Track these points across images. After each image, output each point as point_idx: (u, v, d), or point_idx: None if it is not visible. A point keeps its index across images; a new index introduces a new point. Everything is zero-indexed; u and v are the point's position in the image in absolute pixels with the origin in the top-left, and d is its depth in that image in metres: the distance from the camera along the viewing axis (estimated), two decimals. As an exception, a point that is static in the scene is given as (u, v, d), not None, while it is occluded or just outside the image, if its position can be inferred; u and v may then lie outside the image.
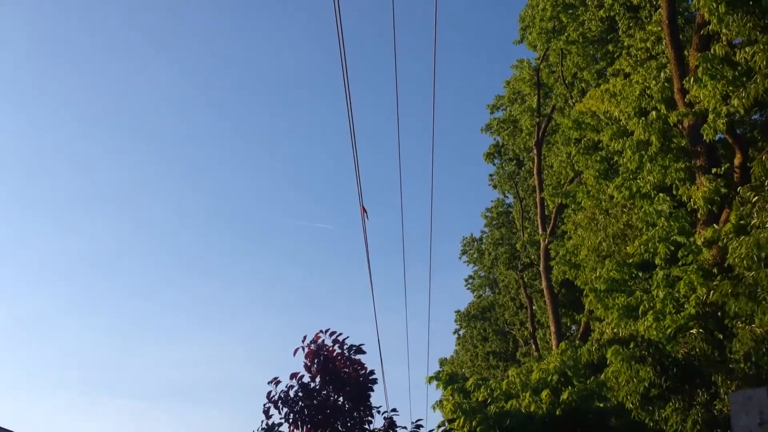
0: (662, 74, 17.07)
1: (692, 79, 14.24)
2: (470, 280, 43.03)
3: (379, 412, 11.21)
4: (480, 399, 15.55)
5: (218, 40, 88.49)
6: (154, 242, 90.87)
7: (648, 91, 17.09)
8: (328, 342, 11.19)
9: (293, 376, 11.07)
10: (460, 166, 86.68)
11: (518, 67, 29.59)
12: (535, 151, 28.97)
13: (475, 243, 42.18)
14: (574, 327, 33.33)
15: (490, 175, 39.16)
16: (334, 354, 11.05)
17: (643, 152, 16.09)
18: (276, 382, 11.09)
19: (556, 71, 26.01)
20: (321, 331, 11.14)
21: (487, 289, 42.54)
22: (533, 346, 33.97)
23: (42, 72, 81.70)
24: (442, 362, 41.45)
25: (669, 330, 12.86)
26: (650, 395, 10.87)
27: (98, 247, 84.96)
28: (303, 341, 11.27)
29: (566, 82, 25.22)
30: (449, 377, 16.48)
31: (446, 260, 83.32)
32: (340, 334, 11.22)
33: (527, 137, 31.23)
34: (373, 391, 11.09)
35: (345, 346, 11.12)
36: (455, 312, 43.51)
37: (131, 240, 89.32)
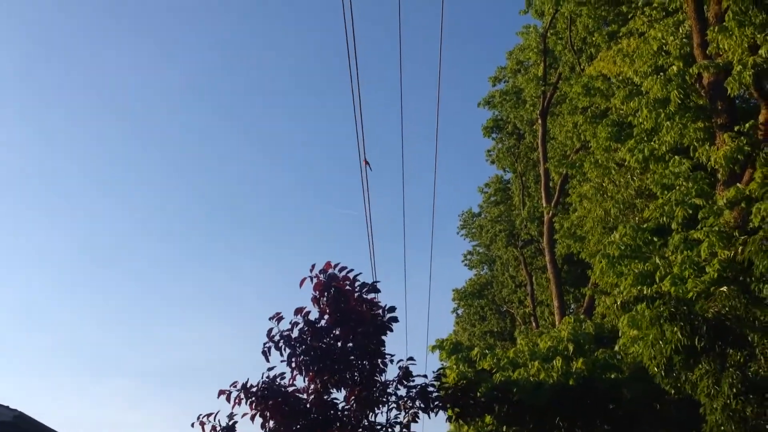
0: (680, 30, 16.20)
1: (716, 28, 13.38)
2: (469, 256, 42.24)
3: (392, 361, 10.04)
4: (485, 368, 14.80)
5: (207, 27, 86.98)
6: (147, 230, 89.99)
7: (665, 47, 16.21)
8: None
9: (298, 311, 9.64)
10: (458, 143, 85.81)
11: (524, 34, 28.65)
12: (539, 121, 28.11)
13: (475, 218, 41.37)
14: (574, 306, 32.65)
15: (488, 151, 38.28)
16: (346, 288, 9.58)
17: (661, 110, 15.23)
18: (278, 318, 9.69)
19: (564, 37, 25.11)
20: (330, 264, 9.73)
21: (485, 267, 41.77)
22: (533, 324, 33.28)
23: (33, 63, 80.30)
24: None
25: (690, 294, 12.06)
26: (678, 358, 10.00)
27: (90, 236, 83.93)
28: (311, 271, 9.65)
29: (575, 48, 24.31)
30: (453, 346, 15.70)
31: (444, 240, 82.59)
32: (351, 270, 9.78)
33: (531, 108, 30.41)
34: (392, 330, 9.74)
35: (357, 283, 9.74)
36: (453, 290, 42.78)
37: (123, 228, 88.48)
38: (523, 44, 29.34)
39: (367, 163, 12.12)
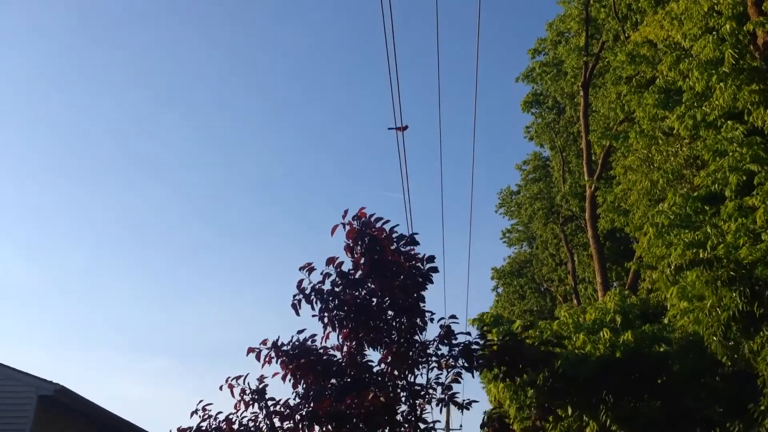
0: (733, -11, 15.38)
1: (774, -17, 12.63)
2: (507, 234, 41.65)
3: (432, 320, 9.35)
4: (527, 342, 14.37)
5: (244, 10, 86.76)
6: (188, 209, 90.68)
7: (717, 7, 15.42)
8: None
9: (330, 261, 8.91)
10: (493, 120, 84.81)
11: (565, 3, 27.82)
12: (581, 93, 27.34)
13: (513, 196, 40.74)
14: (617, 283, 31.92)
15: (527, 127, 37.66)
16: (383, 236, 8.79)
17: (713, 72, 14.50)
18: (309, 269, 9.00)
19: (608, 4, 24.29)
20: (364, 212, 8.90)
21: (525, 244, 41.16)
22: (574, 301, 32.64)
23: (73, 42, 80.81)
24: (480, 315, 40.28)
25: (745, 262, 11.46)
26: (736, 326, 9.42)
27: (131, 211, 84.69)
28: (344, 217, 8.93)
29: (619, 15, 23.47)
30: (494, 319, 15.29)
31: (481, 220, 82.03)
32: (387, 221, 9.01)
33: (572, 80, 29.63)
34: (432, 282, 9.01)
35: (394, 235, 8.94)
36: (492, 269, 42.27)
37: (164, 205, 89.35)
38: (564, 13, 28.52)
39: (403, 128, 11.70)
